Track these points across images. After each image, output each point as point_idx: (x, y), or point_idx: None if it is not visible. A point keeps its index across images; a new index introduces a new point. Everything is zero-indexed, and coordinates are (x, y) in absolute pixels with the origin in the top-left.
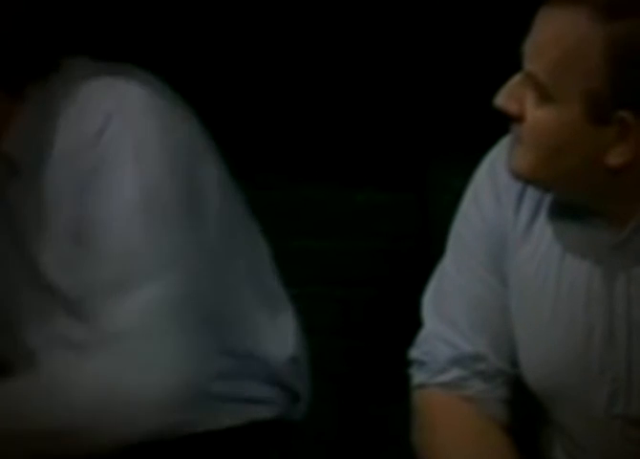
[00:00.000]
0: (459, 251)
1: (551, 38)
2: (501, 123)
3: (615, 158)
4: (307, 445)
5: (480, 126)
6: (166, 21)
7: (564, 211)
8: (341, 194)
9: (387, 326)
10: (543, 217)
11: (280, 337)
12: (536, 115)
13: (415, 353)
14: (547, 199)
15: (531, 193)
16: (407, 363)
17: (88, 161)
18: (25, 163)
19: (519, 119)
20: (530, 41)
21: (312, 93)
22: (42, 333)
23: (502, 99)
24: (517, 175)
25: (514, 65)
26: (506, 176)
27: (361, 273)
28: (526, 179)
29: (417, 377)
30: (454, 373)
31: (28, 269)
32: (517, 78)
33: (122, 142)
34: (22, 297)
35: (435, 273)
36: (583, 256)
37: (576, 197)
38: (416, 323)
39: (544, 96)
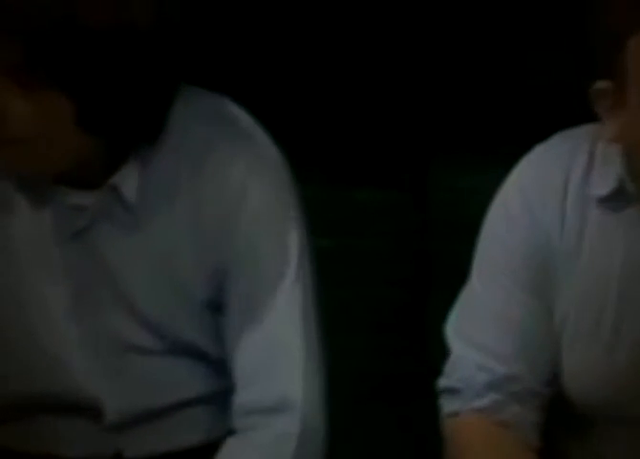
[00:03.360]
0: (491, 274)
1: None
2: (503, 123)
3: None
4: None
5: (482, 125)
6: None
7: (621, 222)
8: (340, 193)
9: (386, 325)
10: (593, 227)
11: None
12: None
13: (445, 382)
14: (594, 212)
15: (573, 202)
16: (408, 363)
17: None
18: (138, 198)
19: None
20: None
21: (312, 91)
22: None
23: None
24: None
25: (514, 64)
26: (538, 190)
27: (360, 273)
28: None
29: (450, 405)
30: (490, 397)
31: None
32: None
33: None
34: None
35: (460, 298)
36: None
37: None
38: (414, 322)
39: None
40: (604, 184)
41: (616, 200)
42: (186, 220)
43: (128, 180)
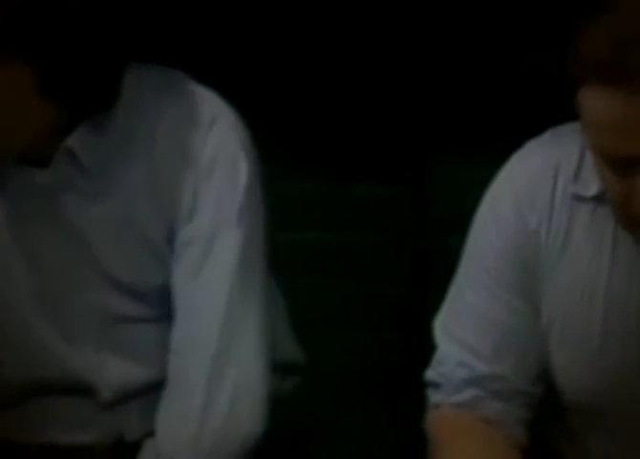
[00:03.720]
0: (477, 273)
1: None
2: (501, 118)
3: None
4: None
5: (480, 119)
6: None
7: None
8: (339, 187)
9: (385, 318)
10: (581, 226)
11: None
12: None
13: (430, 374)
14: (583, 209)
15: (562, 199)
16: (406, 359)
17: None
18: (94, 162)
19: None
20: (621, 129)
21: (310, 86)
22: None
23: None
24: None
25: (513, 60)
26: (528, 188)
27: (359, 266)
28: None
29: (433, 397)
30: (470, 392)
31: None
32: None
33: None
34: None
35: (448, 293)
36: (631, 272)
37: None
38: (413, 315)
39: None
40: (591, 184)
41: (603, 201)
42: (143, 183)
43: (83, 143)
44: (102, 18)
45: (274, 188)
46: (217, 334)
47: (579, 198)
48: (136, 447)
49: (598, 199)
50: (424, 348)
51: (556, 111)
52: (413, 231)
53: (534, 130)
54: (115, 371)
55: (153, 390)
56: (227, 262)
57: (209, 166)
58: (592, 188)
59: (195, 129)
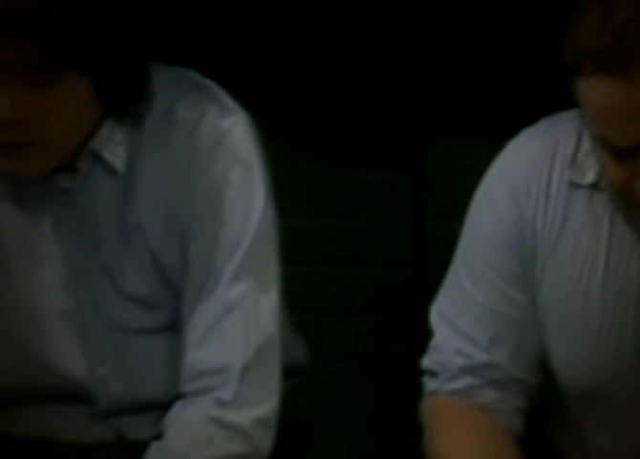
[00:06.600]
0: (474, 262)
1: None
2: (498, 102)
3: None
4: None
5: (479, 105)
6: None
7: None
8: (337, 173)
9: (382, 304)
10: (578, 213)
11: None
12: None
13: (426, 362)
14: (580, 195)
15: (558, 187)
16: (402, 341)
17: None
18: (119, 162)
19: None
20: (622, 115)
21: (308, 72)
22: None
23: None
24: None
25: (510, 44)
26: (523, 178)
27: (357, 252)
28: None
29: (429, 385)
30: (465, 381)
31: (107, 276)
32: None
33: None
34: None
35: (446, 280)
36: (629, 259)
37: None
38: (411, 300)
39: None
40: (588, 171)
41: (599, 188)
42: (154, 187)
43: (107, 143)
44: (129, 18)
45: (273, 175)
46: (238, 359)
47: (575, 185)
48: (138, 444)
49: (594, 186)
50: (423, 334)
51: (555, 98)
52: (411, 217)
53: (533, 116)
54: (118, 383)
55: (158, 407)
56: (246, 281)
57: (222, 179)
58: (589, 176)
59: (208, 141)
